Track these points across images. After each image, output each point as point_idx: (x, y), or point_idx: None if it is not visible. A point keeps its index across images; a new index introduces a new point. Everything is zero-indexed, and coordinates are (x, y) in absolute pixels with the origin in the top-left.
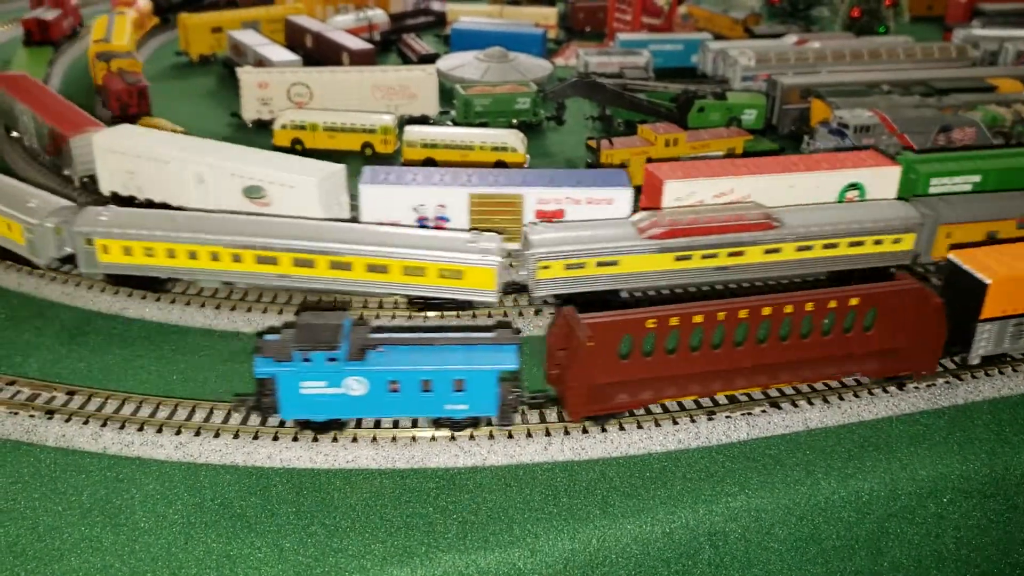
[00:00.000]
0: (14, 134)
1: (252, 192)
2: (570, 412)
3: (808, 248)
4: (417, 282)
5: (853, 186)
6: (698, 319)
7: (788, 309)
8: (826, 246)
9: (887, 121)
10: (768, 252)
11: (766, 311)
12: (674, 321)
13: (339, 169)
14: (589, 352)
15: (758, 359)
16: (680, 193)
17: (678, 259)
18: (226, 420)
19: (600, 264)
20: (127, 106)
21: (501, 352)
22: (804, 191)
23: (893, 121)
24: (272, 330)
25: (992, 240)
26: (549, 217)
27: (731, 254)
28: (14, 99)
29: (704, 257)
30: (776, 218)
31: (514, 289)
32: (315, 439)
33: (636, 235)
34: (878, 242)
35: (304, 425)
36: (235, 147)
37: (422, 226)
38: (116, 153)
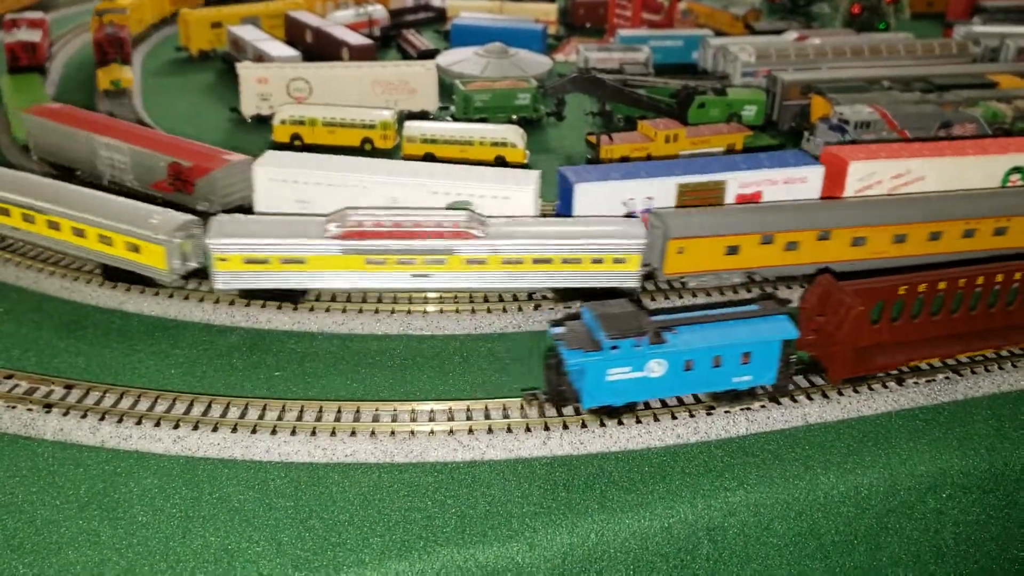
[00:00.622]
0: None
1: (459, 207)
2: (833, 375)
3: (517, 263)
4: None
5: (1017, 169)
6: (942, 286)
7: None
8: (536, 261)
9: (887, 117)
10: (471, 263)
11: (999, 278)
12: (922, 287)
13: (538, 174)
14: (859, 316)
15: (988, 323)
16: (863, 173)
17: (369, 262)
18: (224, 414)
19: (286, 261)
20: (105, 54)
21: (778, 322)
22: (971, 173)
23: (893, 117)
24: (556, 323)
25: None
26: (748, 200)
27: (430, 262)
28: (88, 133)
29: (400, 263)
30: (482, 228)
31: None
32: (313, 433)
33: (322, 234)
34: (597, 261)
35: (602, 412)
36: (414, 164)
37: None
38: (285, 182)
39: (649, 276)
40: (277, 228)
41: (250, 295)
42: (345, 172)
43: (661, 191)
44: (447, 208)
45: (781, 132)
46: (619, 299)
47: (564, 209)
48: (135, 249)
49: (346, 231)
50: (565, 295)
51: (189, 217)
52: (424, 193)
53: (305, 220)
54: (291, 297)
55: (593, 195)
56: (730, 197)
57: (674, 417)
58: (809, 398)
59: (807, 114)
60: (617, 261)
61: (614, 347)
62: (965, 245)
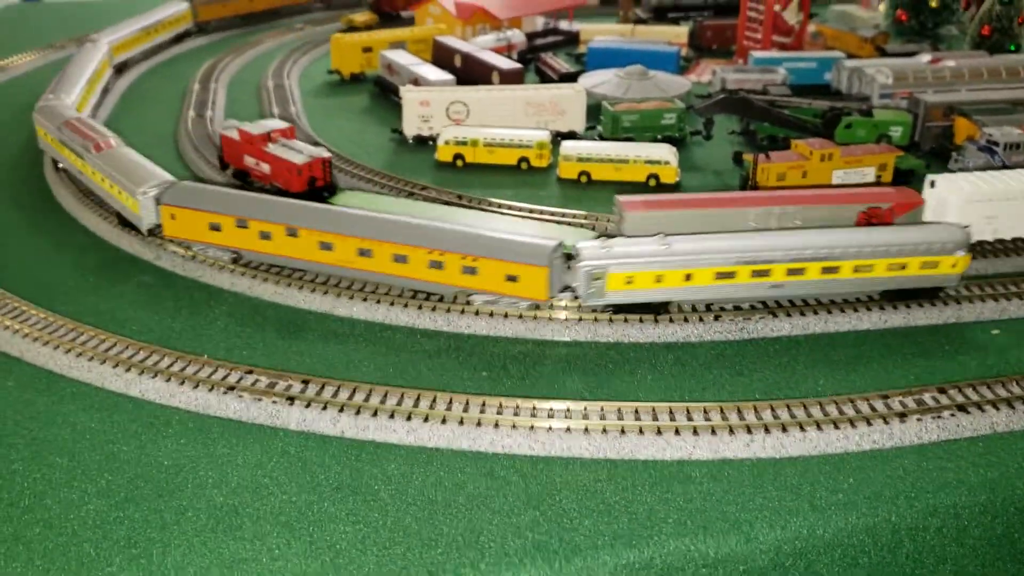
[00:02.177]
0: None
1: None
2: None
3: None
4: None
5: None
6: None
7: None
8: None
9: None
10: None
11: None
12: None
13: None
14: None
15: None
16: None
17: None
18: (449, 408)
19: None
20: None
21: None
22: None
23: None
24: None
25: None
26: None
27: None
28: (747, 209)
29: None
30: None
31: None
32: (531, 428)
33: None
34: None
35: None
36: None
37: None
38: (979, 202)
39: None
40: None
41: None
42: None
43: None
44: None
45: (924, 152)
46: None
47: None
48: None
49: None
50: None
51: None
52: None
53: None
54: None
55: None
56: None
57: (869, 423)
58: (995, 408)
59: (950, 135)
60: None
61: None
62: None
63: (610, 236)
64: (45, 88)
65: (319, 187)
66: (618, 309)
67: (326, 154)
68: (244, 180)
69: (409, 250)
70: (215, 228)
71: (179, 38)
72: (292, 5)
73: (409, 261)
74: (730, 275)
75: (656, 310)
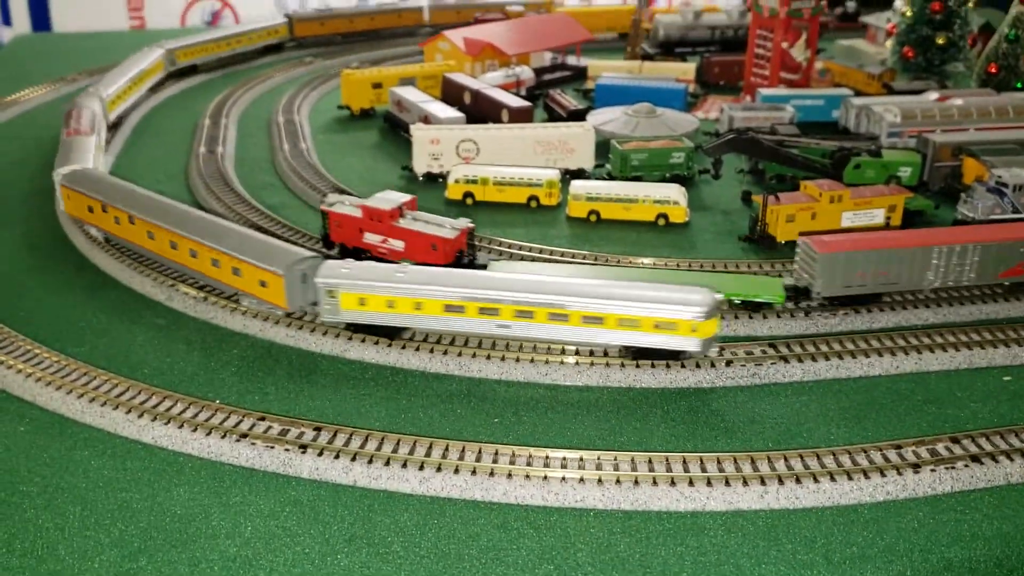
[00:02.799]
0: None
1: None
2: None
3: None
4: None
5: None
6: None
7: None
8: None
9: None
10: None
11: None
12: None
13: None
14: None
15: None
16: None
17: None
18: (461, 456)
19: None
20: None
21: None
22: None
23: None
24: None
25: None
26: None
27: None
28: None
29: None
30: None
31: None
32: (545, 478)
33: None
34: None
35: None
36: None
37: None
38: None
39: None
40: None
41: None
42: None
43: None
44: None
45: (933, 192)
46: None
47: None
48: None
49: None
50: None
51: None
52: None
53: None
54: None
55: None
56: None
57: (883, 474)
58: (1009, 458)
59: (958, 175)
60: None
61: None
62: None
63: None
64: (56, 121)
65: (464, 259)
66: (356, 329)
67: (469, 224)
68: (358, 257)
69: (197, 247)
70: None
71: (267, 50)
72: (395, 28)
73: (198, 257)
74: (459, 309)
75: (390, 334)
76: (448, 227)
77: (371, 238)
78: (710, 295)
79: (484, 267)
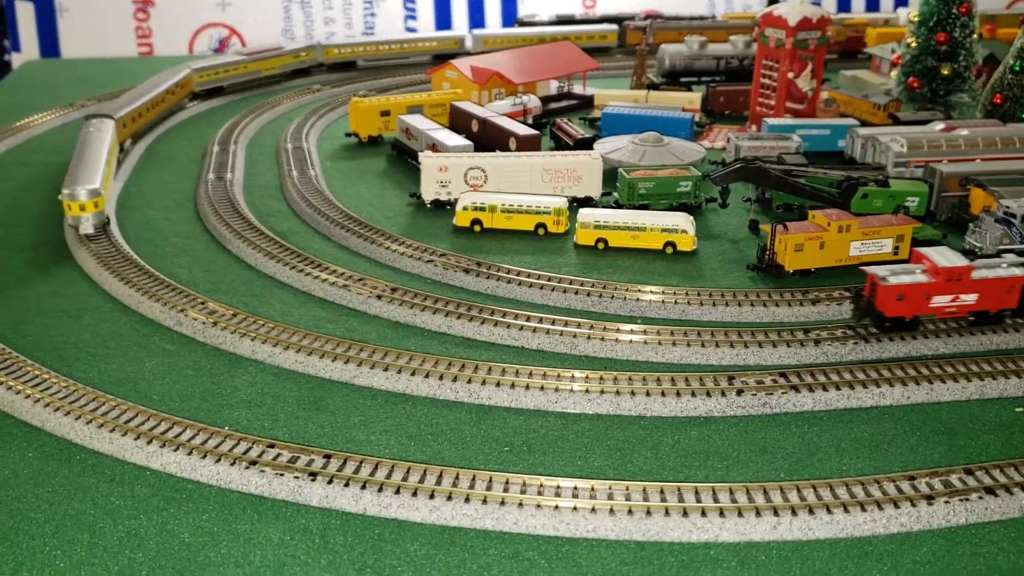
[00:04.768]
0: None
1: None
2: None
3: None
4: None
5: None
6: None
7: None
8: None
9: None
10: None
11: None
12: None
13: None
14: None
15: None
16: None
17: None
18: (472, 485)
19: None
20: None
21: None
22: None
23: None
24: None
25: None
26: None
27: None
28: None
29: None
30: None
31: None
32: (556, 508)
33: None
34: None
35: None
36: None
37: None
38: None
39: None
40: None
41: None
42: None
43: None
44: None
45: (940, 222)
46: None
47: None
48: None
49: None
50: None
51: None
52: None
53: None
54: None
55: None
56: None
57: (896, 506)
58: None
59: (965, 205)
60: None
61: None
62: None
63: None
64: (65, 146)
65: None
66: None
67: None
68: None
69: None
70: None
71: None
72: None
73: None
74: None
75: None
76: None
77: (940, 300)
78: None
79: None
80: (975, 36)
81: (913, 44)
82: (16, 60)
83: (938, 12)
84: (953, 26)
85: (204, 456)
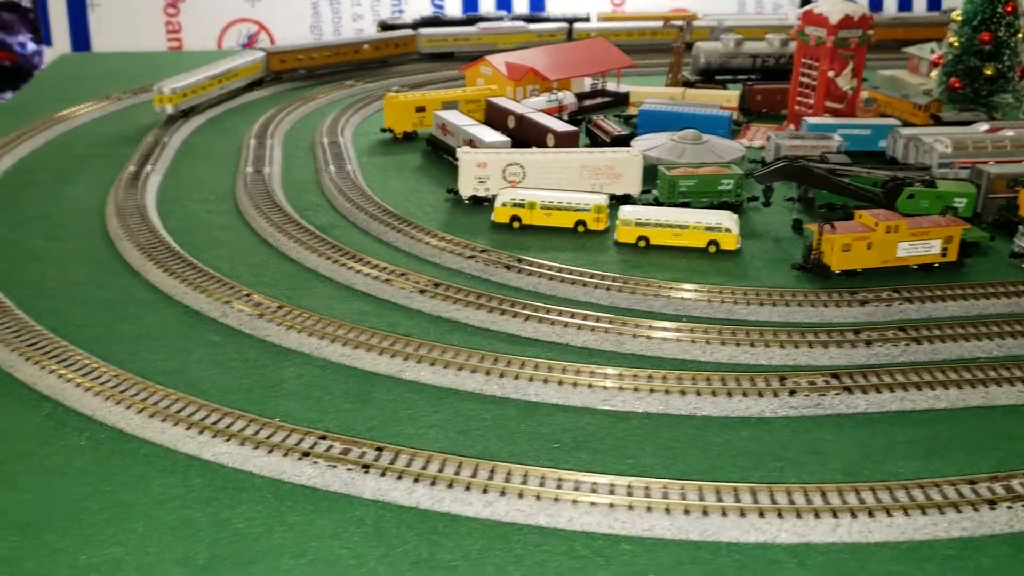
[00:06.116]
0: None
1: None
2: None
3: None
4: None
5: None
6: None
7: None
8: None
9: None
10: None
11: None
12: None
13: None
14: None
15: None
16: None
17: None
18: (524, 481)
19: None
20: None
21: None
22: None
23: None
24: None
25: None
26: None
27: None
28: None
29: None
30: None
31: None
32: (611, 506)
33: None
34: None
35: None
36: None
37: None
38: None
39: None
40: None
41: None
42: None
43: None
44: None
45: (987, 224)
46: None
47: None
48: None
49: None
50: None
51: None
52: None
53: None
54: None
55: None
56: None
57: (958, 510)
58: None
59: (1013, 207)
60: None
61: None
62: None
63: None
64: (103, 138)
65: None
66: None
67: None
68: None
69: None
70: None
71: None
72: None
73: None
74: None
75: None
76: None
77: None
78: None
79: None
80: (1020, 36)
81: (955, 43)
82: (48, 54)
83: (982, 11)
84: (998, 25)
85: (256, 447)
